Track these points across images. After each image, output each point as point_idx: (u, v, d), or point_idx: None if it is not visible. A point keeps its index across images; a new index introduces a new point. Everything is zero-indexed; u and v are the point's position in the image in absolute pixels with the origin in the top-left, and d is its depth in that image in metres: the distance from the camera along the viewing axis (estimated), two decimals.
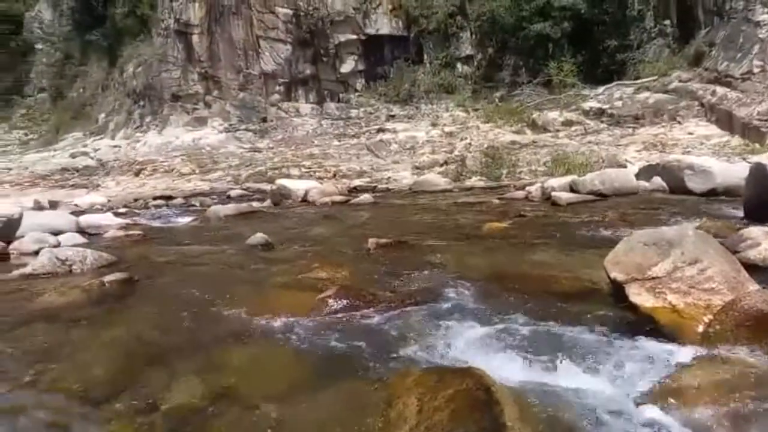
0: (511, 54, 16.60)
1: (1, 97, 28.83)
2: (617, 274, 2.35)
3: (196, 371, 1.90)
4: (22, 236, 4.93)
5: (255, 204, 8.44)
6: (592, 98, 13.88)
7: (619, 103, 13.09)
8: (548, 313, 2.40)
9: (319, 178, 13.66)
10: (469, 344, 2.12)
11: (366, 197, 8.23)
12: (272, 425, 1.51)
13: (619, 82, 13.98)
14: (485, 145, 12.38)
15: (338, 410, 1.61)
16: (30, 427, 1.63)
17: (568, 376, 1.79)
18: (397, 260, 3.64)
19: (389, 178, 13.10)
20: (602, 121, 12.92)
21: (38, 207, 8.77)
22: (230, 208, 7.37)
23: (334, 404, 1.65)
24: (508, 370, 1.84)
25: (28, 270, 3.58)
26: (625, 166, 8.46)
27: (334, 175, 14.47)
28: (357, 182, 12.74)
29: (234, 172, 16.84)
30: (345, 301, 2.59)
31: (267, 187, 12.85)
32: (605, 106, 13.24)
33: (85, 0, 24.10)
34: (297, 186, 9.41)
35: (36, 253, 4.13)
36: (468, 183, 10.07)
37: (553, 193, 6.52)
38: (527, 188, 7.51)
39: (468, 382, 1.46)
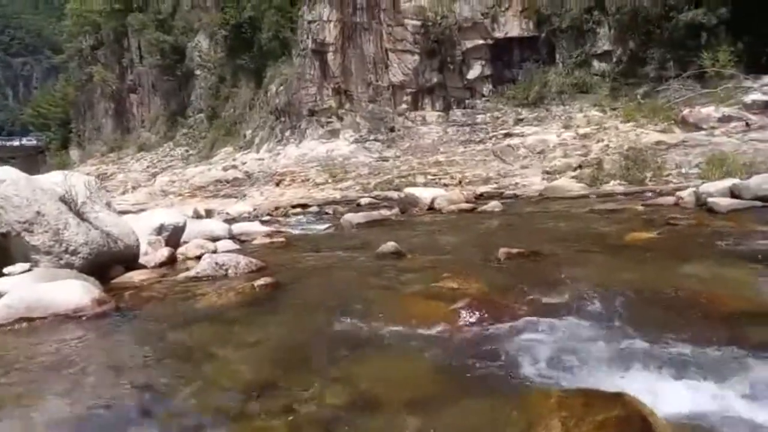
0: (656, 47, 15.22)
1: (169, 119, 33.28)
2: None
3: (336, 375, 1.98)
4: (186, 242, 5.61)
5: (384, 212, 8.68)
6: (755, 90, 12.21)
7: None
8: (708, 336, 2.15)
9: (445, 185, 13.65)
10: (614, 366, 1.97)
11: (494, 204, 8.06)
12: None
13: None
14: (625, 147, 11.46)
15: (478, 425, 1.58)
16: (181, 414, 1.79)
17: (734, 408, 1.60)
18: (531, 271, 3.50)
19: (517, 183, 12.69)
20: None
21: (197, 216, 9.92)
22: (361, 217, 7.66)
23: (473, 418, 1.63)
24: (662, 397, 1.67)
25: (192, 273, 4.04)
26: None
27: (460, 182, 14.37)
28: (483, 189, 12.51)
29: (363, 181, 17.51)
30: (478, 313, 2.56)
31: (394, 194, 13.14)
32: None
33: (236, 28, 26.81)
34: (424, 194, 9.48)
35: (198, 257, 4.65)
36: (606, 188, 9.36)
37: (709, 199, 5.83)
38: (677, 193, 6.80)
39: (620, 409, 1.35)
